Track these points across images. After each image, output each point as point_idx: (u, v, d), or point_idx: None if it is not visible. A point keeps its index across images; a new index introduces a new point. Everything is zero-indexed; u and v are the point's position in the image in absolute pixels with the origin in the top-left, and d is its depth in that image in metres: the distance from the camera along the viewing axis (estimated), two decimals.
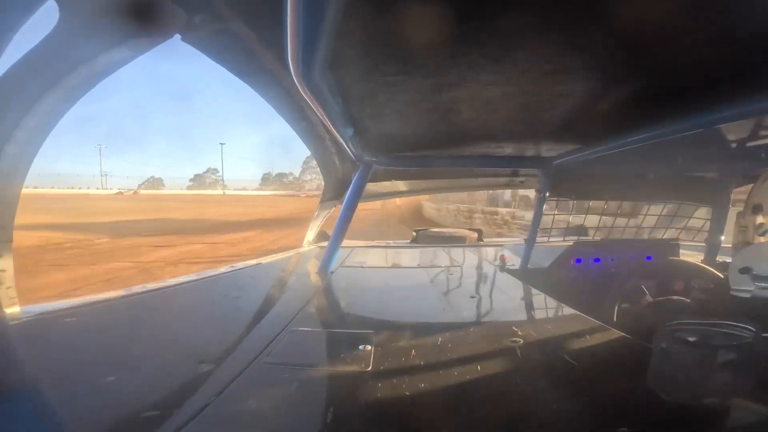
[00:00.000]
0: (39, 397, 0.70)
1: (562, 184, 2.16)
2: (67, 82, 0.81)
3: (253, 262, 2.07)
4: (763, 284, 0.78)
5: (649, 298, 1.59)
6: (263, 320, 1.13)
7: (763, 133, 1.18)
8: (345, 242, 2.03)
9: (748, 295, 0.81)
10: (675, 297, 1.49)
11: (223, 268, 1.82)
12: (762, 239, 0.90)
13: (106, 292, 1.27)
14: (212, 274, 1.72)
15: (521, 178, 2.66)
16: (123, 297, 1.26)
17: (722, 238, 2.05)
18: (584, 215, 2.41)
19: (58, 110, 0.85)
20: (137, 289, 1.35)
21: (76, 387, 0.71)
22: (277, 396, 0.71)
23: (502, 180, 2.84)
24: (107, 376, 0.75)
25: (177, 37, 0.83)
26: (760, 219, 0.90)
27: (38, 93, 0.80)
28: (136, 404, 0.66)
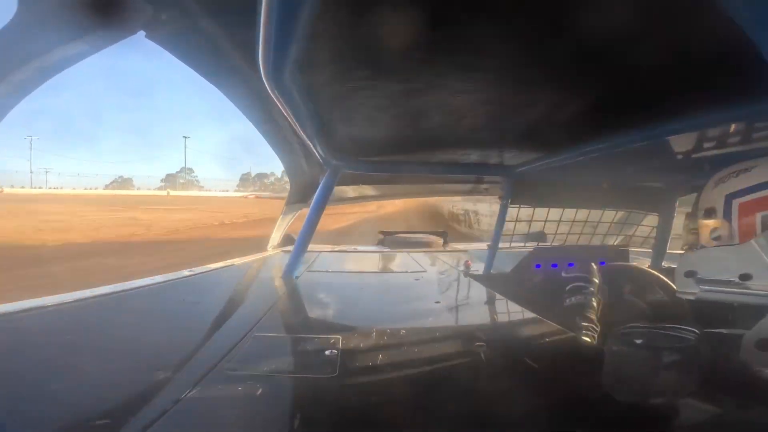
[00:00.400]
0: None
1: (523, 192, 2.24)
2: (17, 76, 0.75)
3: (216, 265, 2.00)
4: (707, 287, 0.84)
5: (602, 302, 1.68)
6: (224, 326, 1.09)
7: (707, 145, 1.28)
8: (311, 246, 2.01)
9: (692, 298, 0.87)
10: (626, 300, 1.58)
11: (184, 272, 1.75)
12: (713, 243, 0.97)
13: (56, 295, 1.19)
14: (171, 277, 1.64)
15: (485, 185, 2.73)
16: (77, 300, 1.19)
17: (667, 244, 2.19)
18: (544, 221, 2.51)
19: (5, 105, 0.78)
20: (92, 291, 1.27)
21: (21, 394, 0.66)
22: (239, 404, 0.68)
23: (468, 187, 2.91)
24: (54, 383, 0.70)
25: (141, 33, 0.79)
26: (711, 223, 0.97)
27: None
28: (85, 414, 0.62)
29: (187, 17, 0.78)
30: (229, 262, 2.15)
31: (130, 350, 0.90)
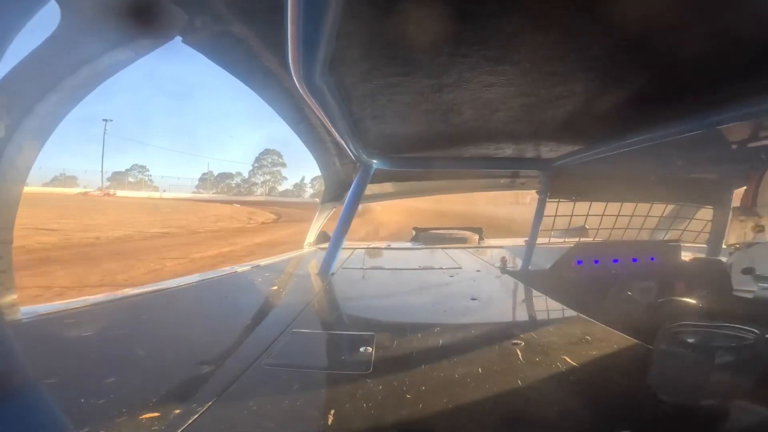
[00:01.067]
0: (39, 399, 0.69)
1: (562, 186, 2.16)
2: (69, 83, 0.81)
3: (254, 263, 2.07)
4: (765, 285, 0.78)
5: (650, 300, 1.59)
6: (263, 322, 1.13)
7: (762, 134, 1.18)
8: (346, 243, 2.03)
9: (750, 296, 0.81)
10: (677, 298, 1.49)
11: (224, 270, 1.82)
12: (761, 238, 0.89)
13: (106, 293, 1.27)
14: (213, 275, 1.72)
15: (522, 180, 2.66)
16: (124, 298, 1.27)
17: (723, 239, 2.04)
18: (585, 216, 2.41)
19: (59, 112, 0.85)
20: (138, 290, 1.35)
21: (75, 388, 0.71)
22: (278, 397, 0.71)
23: (503, 181, 2.84)
24: (107, 377, 0.75)
25: (178, 39, 0.83)
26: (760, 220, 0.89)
27: (39, 94, 0.80)
28: (135, 405, 0.66)
29: (220, 22, 0.81)
30: (267, 259, 2.22)
31: (176, 345, 0.95)
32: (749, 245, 0.92)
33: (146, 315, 1.20)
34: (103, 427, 0.61)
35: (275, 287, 1.67)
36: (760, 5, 0.63)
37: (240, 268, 1.88)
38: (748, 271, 0.83)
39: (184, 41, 0.84)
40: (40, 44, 0.75)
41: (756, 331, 0.64)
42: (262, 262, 2.14)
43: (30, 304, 1.09)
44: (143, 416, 0.63)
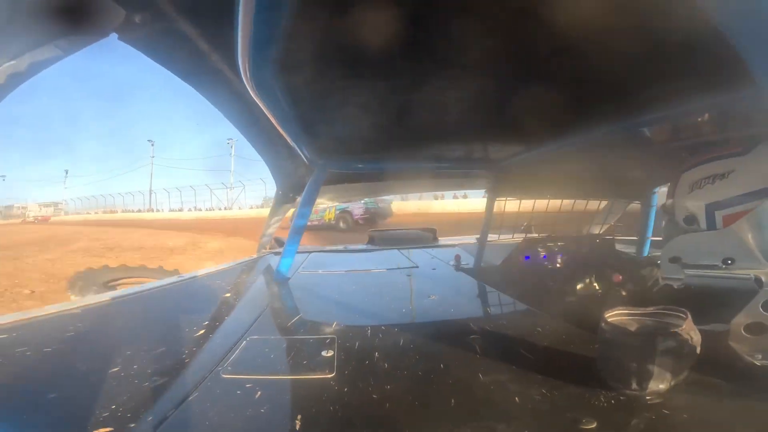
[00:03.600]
0: None
1: (508, 185, 2.26)
2: None
3: (205, 270, 1.97)
4: (692, 272, 0.87)
5: (591, 290, 1.71)
6: (218, 330, 1.08)
7: (683, 134, 1.31)
8: (300, 247, 1.99)
9: (679, 283, 0.89)
10: (614, 288, 1.62)
11: (173, 278, 1.72)
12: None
13: (51, 305, 1.17)
14: (162, 283, 1.62)
15: (472, 179, 2.75)
16: (70, 309, 1.17)
17: (649, 231, 2.24)
18: (530, 213, 2.54)
19: None
20: (83, 302, 1.25)
21: (18, 404, 0.66)
22: (239, 407, 0.68)
23: (454, 181, 2.92)
24: (52, 390, 0.69)
25: (113, 36, 0.77)
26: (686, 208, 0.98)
27: None
28: (84, 422, 0.61)
29: (162, 19, 0.76)
30: (219, 266, 2.13)
31: (125, 357, 0.88)
32: (674, 237, 1.02)
33: (91, 327, 1.11)
34: None
35: (228, 294, 1.61)
36: (683, 12, 0.70)
37: (190, 276, 1.78)
38: (675, 260, 0.91)
39: (120, 38, 0.78)
40: None
41: (684, 314, 0.71)
42: (214, 269, 2.04)
43: None
44: (95, 431, 0.58)
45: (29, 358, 0.86)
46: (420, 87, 1.09)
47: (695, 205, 0.96)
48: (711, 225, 0.92)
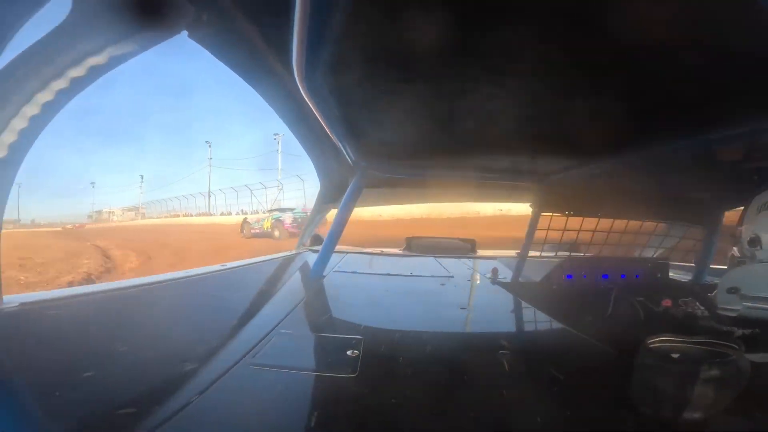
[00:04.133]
0: (15, 391, 0.68)
1: (556, 199, 2.18)
2: (71, 73, 0.81)
3: (244, 262, 2.06)
4: (749, 304, 0.80)
5: (636, 315, 1.60)
6: (251, 321, 1.12)
7: (755, 155, 1.21)
8: (338, 247, 2.03)
9: (734, 314, 0.82)
10: (662, 314, 1.51)
11: (213, 267, 1.81)
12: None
13: (92, 284, 1.26)
14: (201, 272, 1.71)
15: (517, 192, 2.68)
16: (110, 290, 1.25)
17: (711, 258, 2.07)
18: (577, 231, 2.43)
19: (59, 102, 0.85)
20: (124, 282, 1.34)
21: (53, 381, 0.70)
22: (261, 398, 0.70)
23: (497, 193, 2.86)
24: (85, 371, 0.74)
25: (184, 33, 0.84)
26: (758, 254, 0.91)
27: (41, 83, 0.79)
28: (112, 401, 0.65)
29: (226, 18, 0.81)
30: (258, 259, 2.22)
31: (158, 342, 0.94)
32: (735, 266, 0.94)
33: (132, 309, 1.19)
34: (77, 422, 0.60)
35: (264, 287, 1.67)
36: (756, 26, 0.65)
37: (229, 267, 1.87)
38: (733, 290, 0.85)
39: (190, 36, 0.85)
40: (47, 33, 0.75)
41: (736, 346, 0.65)
42: (252, 261, 2.13)
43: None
44: (118, 412, 0.62)
45: (69, 335, 0.92)
46: (468, 94, 1.08)
47: (762, 226, 0.90)
48: None
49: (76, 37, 0.77)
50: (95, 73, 0.83)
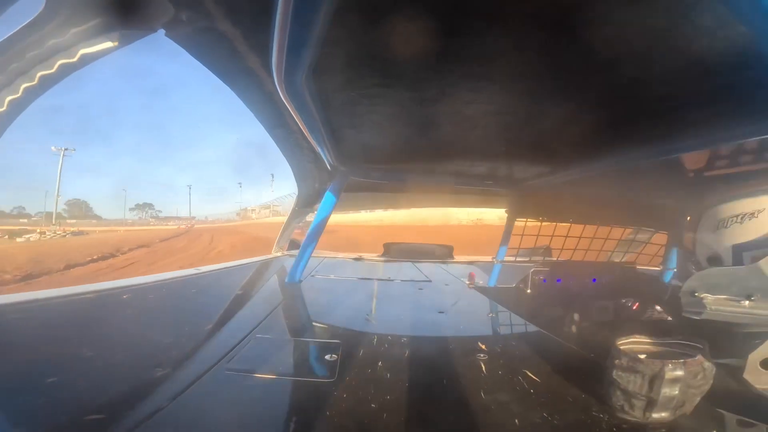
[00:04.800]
0: None
1: (530, 206, 2.23)
2: (40, 70, 0.77)
3: (220, 266, 2.01)
4: (713, 307, 0.84)
5: (606, 318, 1.66)
6: (227, 326, 1.10)
7: (719, 163, 1.27)
8: (316, 252, 2.01)
9: (699, 317, 0.86)
10: (631, 316, 1.56)
11: (188, 271, 1.76)
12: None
13: (63, 288, 1.21)
14: (177, 275, 1.66)
15: (493, 197, 2.73)
16: (78, 293, 1.20)
17: (675, 262, 2.17)
18: (550, 236, 2.49)
19: (27, 99, 0.81)
20: (94, 286, 1.28)
21: (15, 387, 0.67)
22: (236, 404, 0.68)
23: (474, 198, 2.90)
24: (51, 376, 0.71)
25: (161, 31, 0.81)
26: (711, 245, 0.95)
27: (7, 80, 0.76)
28: (79, 407, 0.62)
29: (206, 18, 0.79)
30: (234, 263, 2.17)
31: (131, 345, 0.90)
32: (700, 269, 0.98)
33: (103, 313, 1.14)
34: (40, 427, 0.57)
35: (240, 291, 1.63)
36: (716, 41, 0.69)
37: (204, 270, 1.82)
38: (696, 294, 0.88)
39: (167, 34, 0.82)
40: (16, 30, 0.71)
41: (700, 345, 0.68)
42: (228, 264, 2.08)
43: None
44: (86, 418, 0.59)
45: (32, 342, 0.88)
46: (446, 100, 1.09)
47: (721, 245, 0.92)
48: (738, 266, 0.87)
49: (46, 35, 0.74)
50: (65, 70, 0.80)
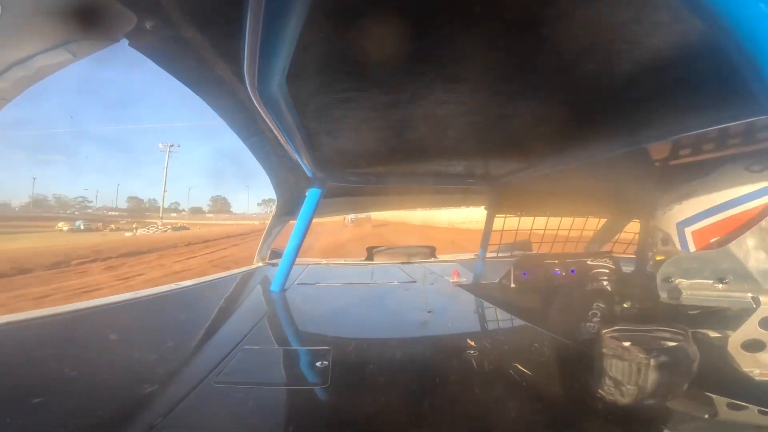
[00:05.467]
0: None
1: (508, 201, 2.27)
2: None
3: (202, 279, 1.96)
4: (688, 291, 0.87)
5: (590, 308, 1.70)
6: (212, 339, 1.07)
7: (683, 152, 1.32)
8: (298, 260, 1.99)
9: (676, 302, 0.89)
10: (613, 305, 1.61)
11: (169, 286, 1.71)
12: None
13: (40, 309, 1.16)
14: (158, 291, 1.61)
15: (472, 195, 2.77)
16: (60, 314, 1.15)
17: (648, 250, 2.24)
18: (529, 230, 2.55)
19: None
20: (75, 306, 1.23)
21: (4, 408, 0.64)
22: (230, 416, 0.67)
23: (454, 197, 2.94)
24: (36, 396, 0.68)
25: (124, 41, 0.78)
26: (671, 251, 1.03)
27: None
28: (67, 428, 0.60)
29: (171, 26, 0.77)
30: (216, 275, 2.12)
31: (116, 364, 0.87)
32: (672, 255, 1.02)
33: (86, 332, 1.10)
34: None
35: (224, 303, 1.59)
36: (681, 36, 0.72)
37: (186, 285, 1.77)
38: (670, 280, 0.92)
39: (131, 44, 0.79)
40: None
41: (683, 331, 0.71)
42: (210, 278, 2.03)
43: None
44: None
45: (17, 361, 0.84)
46: (422, 101, 1.10)
47: (668, 225, 1.02)
48: (683, 241, 0.98)
49: (2, 47, 0.70)
50: (21, 83, 0.76)
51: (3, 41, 0.70)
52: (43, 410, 0.65)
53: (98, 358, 0.90)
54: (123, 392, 0.73)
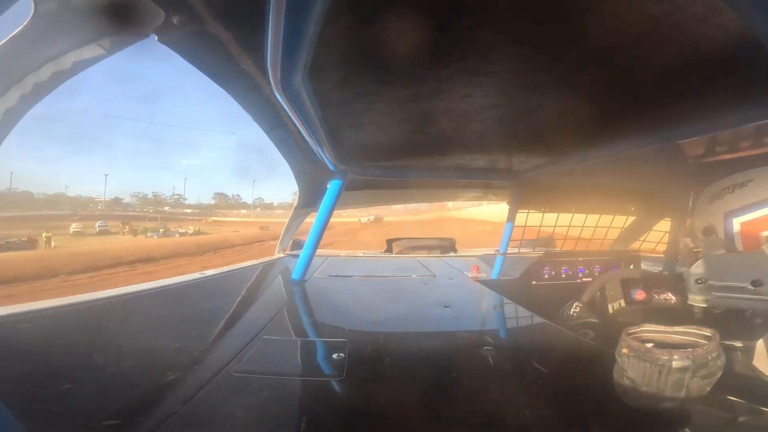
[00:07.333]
0: None
1: (532, 197, 2.23)
2: (33, 79, 0.77)
3: (224, 269, 2.02)
4: (719, 293, 0.84)
5: (613, 306, 1.66)
6: (233, 329, 1.10)
7: (719, 149, 1.26)
8: (318, 251, 2.01)
9: (704, 304, 0.86)
10: (637, 305, 1.56)
11: (193, 275, 1.76)
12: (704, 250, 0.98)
13: (68, 297, 1.22)
14: (181, 280, 1.66)
15: (494, 190, 2.73)
16: (87, 301, 1.21)
17: (679, 249, 2.16)
18: (553, 227, 2.49)
19: (22, 107, 0.80)
20: (102, 294, 1.29)
21: (30, 396, 0.67)
22: (246, 406, 0.69)
23: (475, 192, 2.90)
24: (65, 383, 0.71)
25: (153, 37, 0.81)
26: (713, 242, 0.97)
27: (1, 89, 0.75)
28: (95, 413, 0.62)
29: (198, 21, 0.78)
30: (238, 265, 2.17)
31: (139, 351, 0.91)
32: (703, 256, 0.98)
33: (110, 320, 1.15)
34: None
35: (245, 294, 1.63)
36: (718, 30, 0.68)
37: (208, 274, 1.82)
38: (701, 281, 0.88)
39: (159, 39, 0.82)
40: (6, 39, 0.71)
41: (710, 333, 0.68)
42: (232, 268, 2.09)
43: None
44: (102, 423, 0.60)
45: (48, 348, 0.88)
46: (444, 95, 1.09)
47: (714, 215, 0.97)
48: (729, 233, 0.93)
49: (37, 42, 0.74)
50: (57, 78, 0.79)
51: (37, 38, 0.73)
52: (71, 395, 0.68)
53: (125, 345, 0.94)
54: (146, 379, 0.76)
